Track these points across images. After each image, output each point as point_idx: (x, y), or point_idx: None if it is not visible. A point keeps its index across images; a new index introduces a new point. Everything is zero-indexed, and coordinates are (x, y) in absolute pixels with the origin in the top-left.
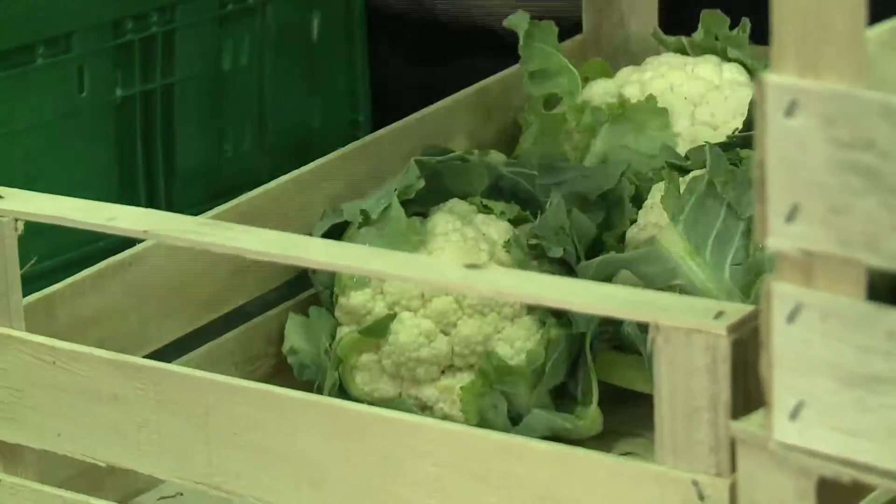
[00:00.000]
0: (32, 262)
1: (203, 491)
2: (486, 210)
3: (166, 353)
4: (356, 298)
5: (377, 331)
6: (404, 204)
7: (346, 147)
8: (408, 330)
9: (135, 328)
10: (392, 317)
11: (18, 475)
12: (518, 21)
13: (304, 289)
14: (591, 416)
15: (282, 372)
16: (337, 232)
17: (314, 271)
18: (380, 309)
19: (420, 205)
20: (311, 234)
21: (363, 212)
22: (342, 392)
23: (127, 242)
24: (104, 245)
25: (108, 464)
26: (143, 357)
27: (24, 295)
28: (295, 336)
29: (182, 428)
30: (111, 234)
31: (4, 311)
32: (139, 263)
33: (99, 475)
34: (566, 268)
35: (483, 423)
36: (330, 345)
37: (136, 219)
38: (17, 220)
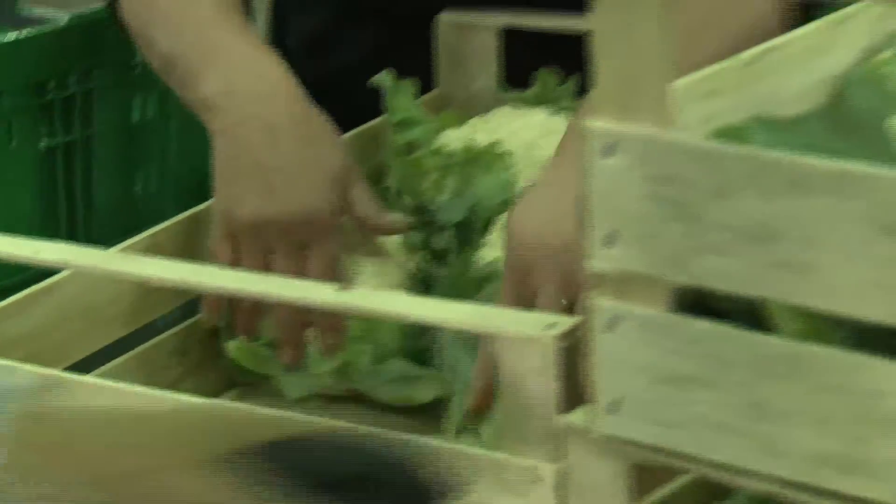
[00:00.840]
0: None
1: None
2: None
3: (84, 366)
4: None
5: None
6: None
7: None
8: None
9: (57, 345)
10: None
11: None
12: (383, 79)
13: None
14: (435, 378)
15: (185, 379)
16: None
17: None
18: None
19: None
20: None
21: None
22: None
23: (50, 272)
24: (30, 275)
25: None
26: (64, 370)
27: None
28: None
29: None
30: (36, 265)
31: None
32: (60, 290)
33: None
34: (423, 285)
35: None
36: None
37: (58, 251)
38: None
